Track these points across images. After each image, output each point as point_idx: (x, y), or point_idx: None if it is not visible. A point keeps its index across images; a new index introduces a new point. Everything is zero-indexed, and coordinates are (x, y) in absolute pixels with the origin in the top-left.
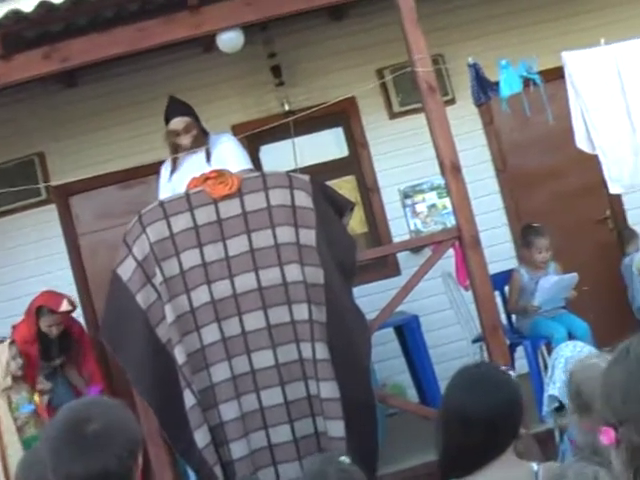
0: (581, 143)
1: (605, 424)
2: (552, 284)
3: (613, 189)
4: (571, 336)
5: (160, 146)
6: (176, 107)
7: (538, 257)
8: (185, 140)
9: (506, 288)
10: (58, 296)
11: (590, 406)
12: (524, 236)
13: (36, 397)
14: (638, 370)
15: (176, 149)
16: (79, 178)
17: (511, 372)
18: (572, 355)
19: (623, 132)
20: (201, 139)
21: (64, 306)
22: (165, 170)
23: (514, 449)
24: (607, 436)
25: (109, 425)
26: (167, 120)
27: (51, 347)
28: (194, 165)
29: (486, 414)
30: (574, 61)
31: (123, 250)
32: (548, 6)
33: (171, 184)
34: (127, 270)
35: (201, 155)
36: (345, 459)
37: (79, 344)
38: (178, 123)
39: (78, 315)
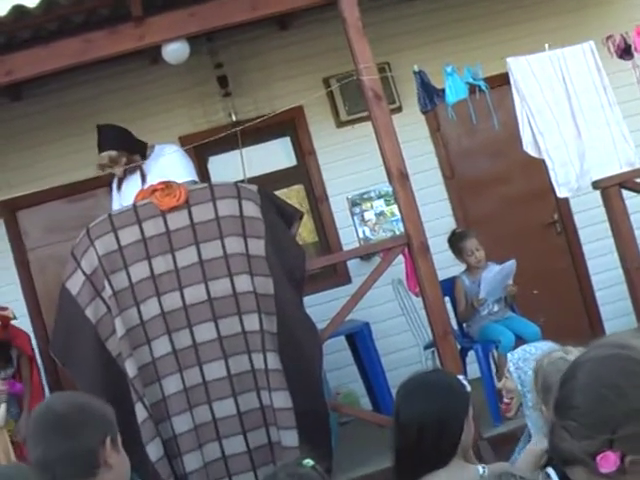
0: (528, 148)
1: (597, 448)
2: (495, 273)
3: (560, 193)
4: (521, 340)
5: None
6: (102, 140)
7: (472, 259)
8: (116, 170)
9: None
10: None
11: None
12: (451, 245)
13: None
14: (603, 367)
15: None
16: (26, 192)
17: (465, 382)
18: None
19: (569, 136)
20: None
21: None
22: (115, 184)
23: (463, 456)
24: (607, 462)
25: None
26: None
27: None
28: (131, 187)
29: (416, 419)
30: (519, 67)
31: (71, 264)
32: (492, 14)
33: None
34: (76, 284)
35: (136, 179)
36: (308, 462)
37: (25, 355)
38: (103, 158)
39: (29, 330)
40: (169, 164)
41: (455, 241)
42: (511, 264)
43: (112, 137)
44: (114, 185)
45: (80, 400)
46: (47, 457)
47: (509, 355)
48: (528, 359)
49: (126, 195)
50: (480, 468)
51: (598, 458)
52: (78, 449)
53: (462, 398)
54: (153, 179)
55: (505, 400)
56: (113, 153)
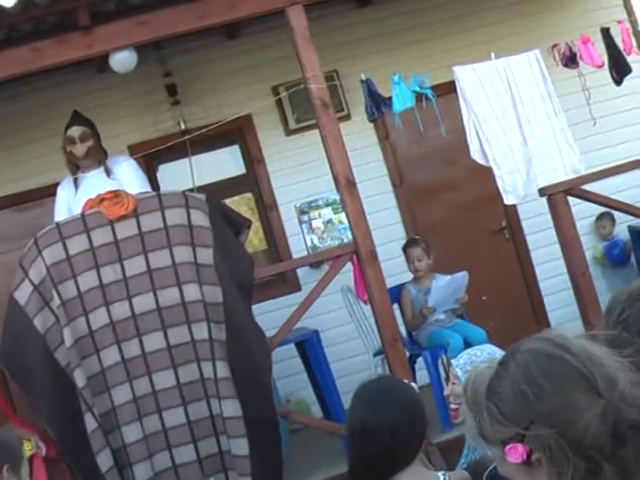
0: (475, 155)
1: (507, 441)
2: (445, 283)
3: (507, 200)
4: (469, 344)
5: (56, 168)
6: (77, 119)
7: (411, 267)
8: (80, 149)
9: None
10: None
11: None
12: (403, 251)
13: None
14: (534, 363)
15: (72, 161)
16: None
17: (412, 384)
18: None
19: (515, 143)
20: (97, 153)
21: None
22: (62, 191)
23: (421, 461)
24: (515, 453)
25: None
26: (66, 131)
27: None
28: (94, 182)
29: (387, 425)
30: (465, 75)
31: (19, 274)
32: (440, 22)
33: (67, 204)
34: (24, 294)
35: (100, 172)
36: None
37: None
38: (75, 131)
39: None
40: (127, 174)
41: (405, 246)
42: (462, 276)
43: (86, 119)
44: (60, 192)
45: None
46: None
47: (454, 361)
48: (474, 362)
49: (87, 190)
50: (441, 475)
51: (507, 448)
52: None
53: (419, 398)
54: (118, 178)
55: (453, 406)
56: (85, 129)
